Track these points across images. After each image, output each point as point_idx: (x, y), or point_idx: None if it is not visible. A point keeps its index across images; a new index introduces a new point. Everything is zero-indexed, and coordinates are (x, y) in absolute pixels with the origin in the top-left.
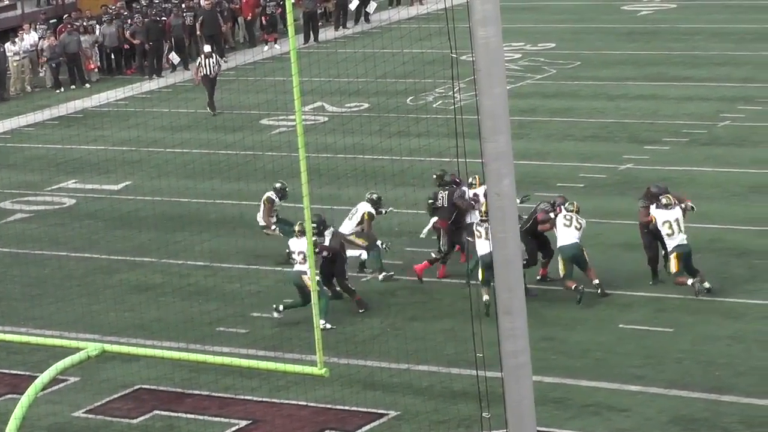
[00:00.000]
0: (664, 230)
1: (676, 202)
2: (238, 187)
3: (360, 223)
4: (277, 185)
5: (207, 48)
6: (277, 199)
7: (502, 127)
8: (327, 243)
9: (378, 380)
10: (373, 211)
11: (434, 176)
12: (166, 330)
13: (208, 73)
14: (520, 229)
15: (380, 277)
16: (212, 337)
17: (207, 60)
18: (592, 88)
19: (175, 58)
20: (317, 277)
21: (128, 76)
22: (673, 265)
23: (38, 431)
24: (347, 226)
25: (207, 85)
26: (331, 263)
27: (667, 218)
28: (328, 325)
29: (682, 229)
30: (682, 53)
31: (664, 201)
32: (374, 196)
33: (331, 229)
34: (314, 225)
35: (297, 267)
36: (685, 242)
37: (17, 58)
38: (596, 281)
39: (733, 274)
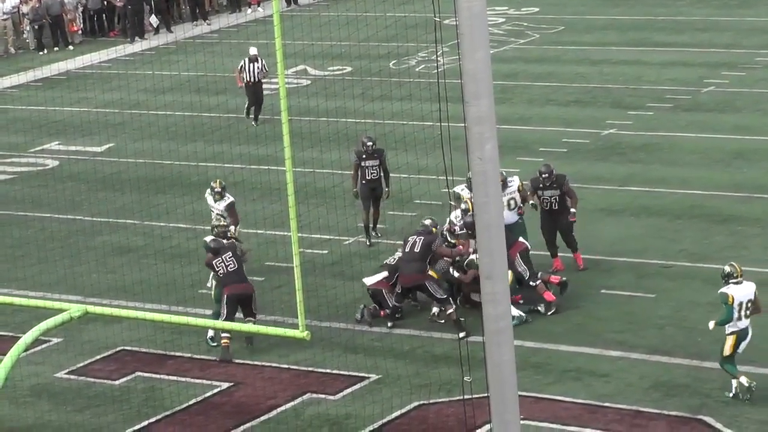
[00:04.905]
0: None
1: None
2: (221, 149)
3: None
4: (211, 183)
5: (253, 50)
6: (208, 198)
7: (485, 91)
8: None
9: (359, 344)
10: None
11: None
12: (148, 292)
13: (252, 78)
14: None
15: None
16: (194, 299)
17: (252, 64)
18: (575, 53)
19: (154, 20)
20: None
21: (111, 39)
22: (728, 347)
23: (21, 392)
24: None
25: (249, 92)
26: None
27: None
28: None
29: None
30: (666, 18)
31: (728, 270)
32: None
33: None
34: None
35: None
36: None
37: None
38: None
39: (715, 241)
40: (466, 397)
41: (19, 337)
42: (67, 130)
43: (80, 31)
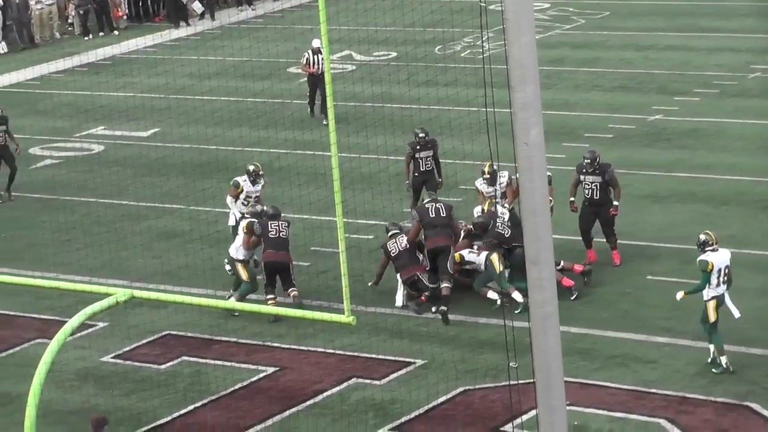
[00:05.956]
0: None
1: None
2: (266, 134)
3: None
4: (250, 167)
5: (316, 42)
6: (245, 184)
7: (531, 76)
8: None
9: (405, 329)
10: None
11: None
12: (193, 276)
13: (319, 69)
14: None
15: None
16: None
17: (315, 56)
18: (620, 39)
19: (198, 6)
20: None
21: (157, 24)
22: (711, 313)
23: (67, 376)
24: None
25: (311, 84)
26: None
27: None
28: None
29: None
30: (712, 3)
31: (703, 238)
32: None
33: None
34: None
35: None
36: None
37: (40, 6)
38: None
39: (762, 227)
40: (511, 382)
41: (66, 321)
42: (113, 114)
43: (125, 17)
